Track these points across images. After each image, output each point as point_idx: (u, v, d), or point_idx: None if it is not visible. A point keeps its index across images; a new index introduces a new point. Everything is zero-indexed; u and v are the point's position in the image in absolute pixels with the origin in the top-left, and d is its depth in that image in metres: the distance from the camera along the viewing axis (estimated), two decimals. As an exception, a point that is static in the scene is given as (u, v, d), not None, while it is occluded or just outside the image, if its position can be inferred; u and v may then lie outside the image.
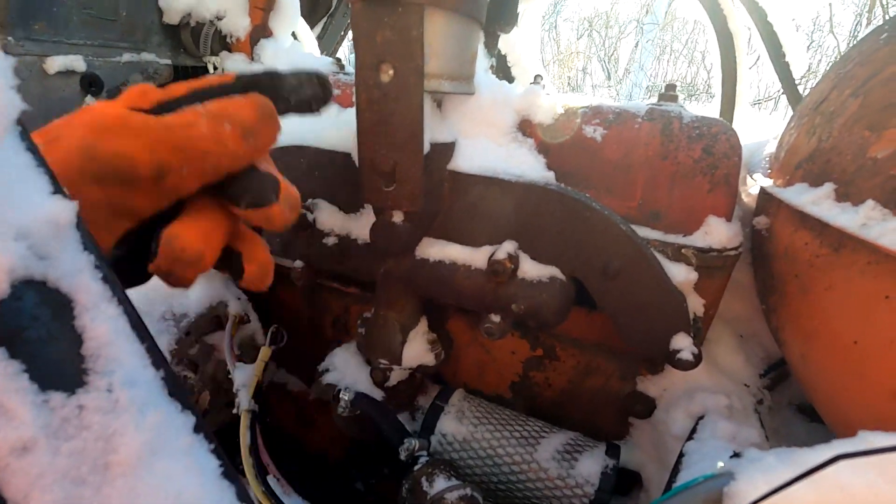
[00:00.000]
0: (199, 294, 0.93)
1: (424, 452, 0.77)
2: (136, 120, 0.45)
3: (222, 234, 0.51)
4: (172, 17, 1.21)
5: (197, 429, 0.31)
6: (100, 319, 0.29)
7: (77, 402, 0.26)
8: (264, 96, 0.55)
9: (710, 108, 1.84)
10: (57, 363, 0.27)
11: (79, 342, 0.28)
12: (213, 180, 0.49)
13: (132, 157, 0.43)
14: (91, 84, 1.06)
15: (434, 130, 0.71)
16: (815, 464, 0.33)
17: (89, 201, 0.41)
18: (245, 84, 0.56)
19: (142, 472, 0.27)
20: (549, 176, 0.78)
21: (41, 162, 0.29)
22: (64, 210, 0.29)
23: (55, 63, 0.99)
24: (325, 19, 1.94)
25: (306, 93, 0.58)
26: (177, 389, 0.32)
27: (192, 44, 1.24)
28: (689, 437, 0.69)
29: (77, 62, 1.03)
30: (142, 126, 0.45)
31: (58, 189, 0.29)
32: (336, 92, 0.98)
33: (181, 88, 0.53)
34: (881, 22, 0.72)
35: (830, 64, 0.81)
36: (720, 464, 0.42)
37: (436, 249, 0.77)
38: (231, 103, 0.52)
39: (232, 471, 0.32)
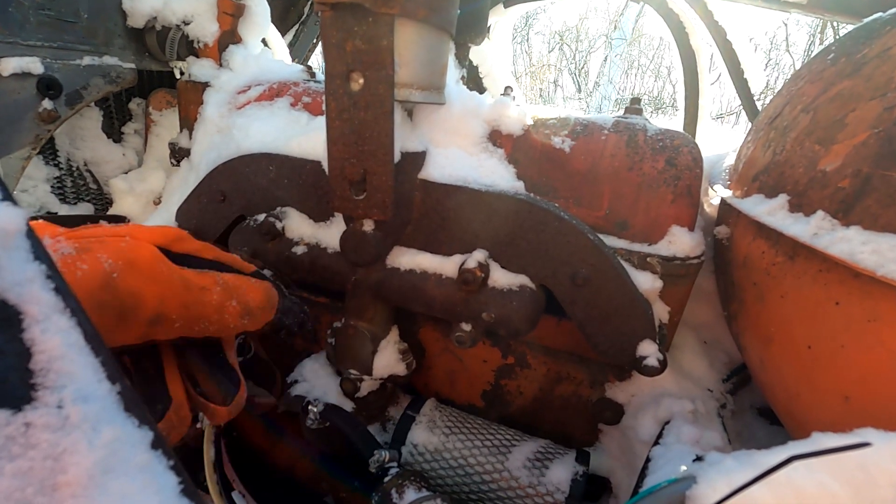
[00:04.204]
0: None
1: (395, 464, 0.76)
2: (162, 269, 0.49)
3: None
4: (137, 21, 1.18)
5: (155, 445, 0.30)
6: (51, 332, 0.28)
7: (24, 419, 0.25)
8: (275, 288, 0.63)
9: (675, 122, 1.91)
10: (2, 378, 0.25)
11: (27, 356, 0.27)
12: (191, 338, 0.53)
13: (142, 298, 0.46)
14: (49, 87, 1.02)
15: (405, 139, 0.71)
16: (771, 465, 0.35)
17: None
18: (261, 277, 0.64)
19: (94, 493, 0.26)
20: (518, 186, 0.79)
21: (-12, 167, 0.28)
22: (12, 218, 0.27)
23: (10, 65, 0.95)
24: (296, 26, 1.93)
25: (291, 319, 0.69)
26: (134, 404, 0.30)
27: (157, 48, 1.21)
28: (656, 443, 0.71)
29: (34, 64, 0.99)
30: (165, 276, 0.49)
31: (6, 196, 0.28)
32: (306, 100, 0.98)
33: (210, 253, 0.59)
34: (831, 42, 0.76)
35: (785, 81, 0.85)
36: (683, 468, 0.43)
37: (406, 258, 0.77)
38: (246, 282, 0.58)
39: (192, 488, 0.31)
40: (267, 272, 0.83)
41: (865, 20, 0.69)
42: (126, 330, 0.45)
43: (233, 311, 0.54)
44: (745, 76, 1.65)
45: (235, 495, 0.84)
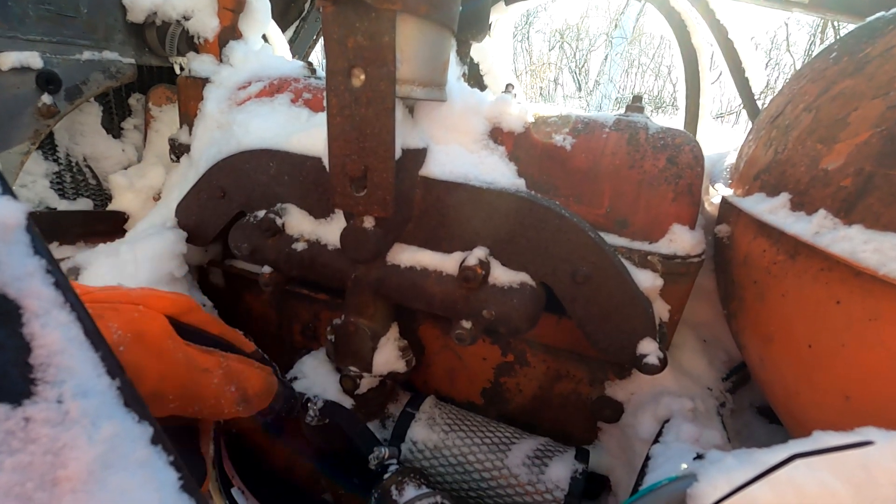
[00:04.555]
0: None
1: (394, 461, 0.76)
2: (168, 345, 0.49)
3: None
4: (137, 16, 1.17)
5: (155, 440, 0.30)
6: (51, 326, 0.28)
7: (23, 413, 0.25)
8: (275, 377, 0.63)
9: (675, 121, 1.90)
10: (2, 373, 0.25)
11: (27, 350, 0.26)
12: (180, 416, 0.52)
13: (143, 374, 0.46)
14: (48, 82, 1.01)
15: (406, 136, 0.71)
16: (773, 464, 0.34)
17: None
18: (261, 358, 0.64)
19: (93, 488, 0.26)
20: (519, 183, 0.79)
21: (-12, 161, 0.28)
22: (12, 212, 0.27)
23: (9, 59, 0.95)
24: (297, 22, 1.92)
25: (281, 405, 0.68)
26: (133, 399, 0.30)
27: (157, 43, 1.20)
28: (655, 441, 0.71)
29: (33, 59, 0.98)
30: (170, 353, 0.49)
31: (6, 190, 0.28)
32: (307, 96, 0.97)
33: (216, 328, 0.60)
34: (833, 41, 0.76)
35: (786, 80, 0.84)
36: (683, 466, 0.43)
37: (407, 255, 0.77)
38: (248, 368, 0.58)
39: (192, 484, 0.31)
40: (267, 268, 0.83)
41: (868, 19, 0.69)
42: None
43: (230, 396, 0.54)
44: (746, 75, 1.65)
45: (234, 492, 0.84)
